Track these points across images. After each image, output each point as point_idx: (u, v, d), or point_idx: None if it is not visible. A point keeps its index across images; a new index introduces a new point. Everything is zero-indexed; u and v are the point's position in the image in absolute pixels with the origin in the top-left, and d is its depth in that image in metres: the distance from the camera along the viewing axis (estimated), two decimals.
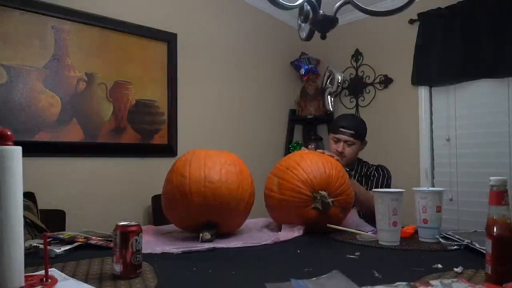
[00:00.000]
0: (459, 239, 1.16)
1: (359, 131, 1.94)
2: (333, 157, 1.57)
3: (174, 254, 1.11)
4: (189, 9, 2.72)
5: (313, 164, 1.41)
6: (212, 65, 2.83)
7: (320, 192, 1.34)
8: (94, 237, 1.17)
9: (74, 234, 1.18)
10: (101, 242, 1.15)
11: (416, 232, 1.37)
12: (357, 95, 3.19)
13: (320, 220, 1.37)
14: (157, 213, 2.23)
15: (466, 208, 2.57)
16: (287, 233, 1.33)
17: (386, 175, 1.97)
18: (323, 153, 1.57)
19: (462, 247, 1.13)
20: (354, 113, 3.19)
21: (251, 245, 1.24)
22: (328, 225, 1.47)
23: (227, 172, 1.33)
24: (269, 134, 3.16)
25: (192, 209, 1.26)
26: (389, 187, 1.93)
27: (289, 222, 1.41)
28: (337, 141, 1.91)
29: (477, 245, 1.06)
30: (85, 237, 1.16)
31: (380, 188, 1.88)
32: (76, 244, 1.12)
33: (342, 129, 1.90)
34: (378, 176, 1.95)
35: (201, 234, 1.24)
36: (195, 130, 2.71)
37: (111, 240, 1.11)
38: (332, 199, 1.35)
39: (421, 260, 1.02)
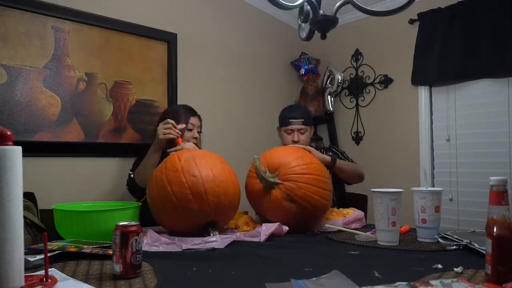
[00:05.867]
0: (458, 239, 1.16)
1: (308, 117, 2.09)
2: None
3: (174, 254, 1.12)
4: (189, 9, 2.72)
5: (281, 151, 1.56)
6: (212, 65, 2.83)
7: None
8: (86, 246, 1.10)
9: (63, 245, 1.11)
10: (97, 250, 1.07)
11: (408, 231, 1.38)
12: (357, 95, 3.19)
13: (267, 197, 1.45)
14: None
15: (466, 208, 2.57)
16: (268, 227, 1.35)
17: (343, 151, 2.22)
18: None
19: (461, 247, 1.13)
20: (354, 113, 3.20)
21: (248, 240, 1.28)
22: (327, 225, 1.48)
23: (229, 171, 1.38)
24: (269, 134, 3.15)
25: (205, 209, 1.26)
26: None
27: (255, 203, 1.52)
28: (291, 132, 2.06)
29: (476, 245, 1.06)
30: (76, 246, 1.09)
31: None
32: (56, 252, 1.04)
33: (292, 120, 2.04)
34: (336, 154, 2.14)
35: (211, 234, 1.27)
36: None
37: (107, 247, 1.09)
38: (275, 177, 1.42)
39: (420, 260, 1.02)
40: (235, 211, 1.42)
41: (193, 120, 1.99)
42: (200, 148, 1.99)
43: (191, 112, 2.01)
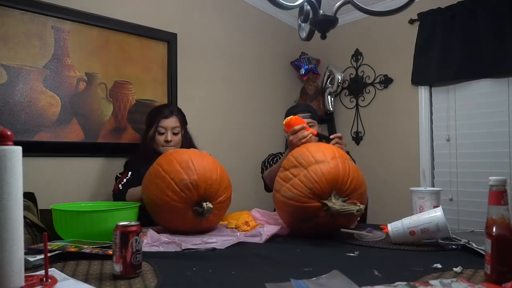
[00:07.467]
0: (456, 239, 1.17)
1: (314, 112, 2.09)
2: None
3: (174, 254, 1.12)
4: (189, 9, 2.72)
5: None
6: (212, 65, 2.83)
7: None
8: (86, 246, 1.09)
9: (63, 245, 1.10)
10: (97, 250, 1.06)
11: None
12: (357, 95, 3.19)
13: None
14: None
15: (466, 208, 2.57)
16: (270, 228, 1.35)
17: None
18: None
19: (459, 247, 1.13)
20: (354, 113, 3.20)
21: (249, 241, 1.27)
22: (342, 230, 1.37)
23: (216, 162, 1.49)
24: (269, 134, 3.16)
25: (194, 177, 1.33)
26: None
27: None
28: None
29: (474, 245, 1.06)
30: (76, 246, 1.08)
31: None
32: (56, 252, 1.04)
33: (299, 113, 1.97)
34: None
35: (204, 204, 1.32)
36: (195, 130, 2.69)
37: (107, 247, 1.09)
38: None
39: (420, 260, 1.02)
40: (229, 190, 1.45)
41: (164, 122, 1.93)
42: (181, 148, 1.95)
43: (163, 113, 1.95)
